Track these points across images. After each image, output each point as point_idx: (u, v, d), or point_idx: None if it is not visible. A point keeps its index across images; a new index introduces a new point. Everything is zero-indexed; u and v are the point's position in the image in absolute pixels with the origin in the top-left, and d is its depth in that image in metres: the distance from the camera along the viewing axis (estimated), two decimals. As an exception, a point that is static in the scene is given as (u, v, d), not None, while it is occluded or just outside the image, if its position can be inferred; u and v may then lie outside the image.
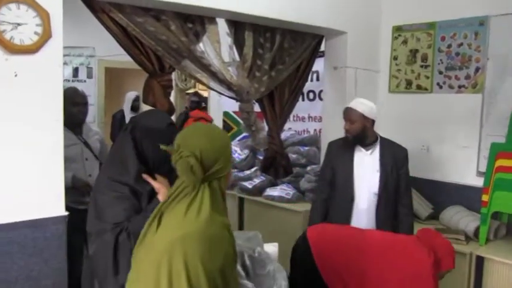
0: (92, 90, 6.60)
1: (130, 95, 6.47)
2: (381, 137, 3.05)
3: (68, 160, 2.91)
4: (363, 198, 2.97)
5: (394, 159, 2.98)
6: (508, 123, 3.36)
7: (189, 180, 1.51)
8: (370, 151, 3.00)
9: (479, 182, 3.37)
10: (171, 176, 2.06)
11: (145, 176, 1.96)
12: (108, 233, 1.87)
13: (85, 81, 6.61)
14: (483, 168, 3.35)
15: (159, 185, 1.96)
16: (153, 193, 1.98)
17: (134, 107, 6.45)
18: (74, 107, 3.17)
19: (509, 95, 3.44)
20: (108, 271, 1.88)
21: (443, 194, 3.75)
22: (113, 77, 7.30)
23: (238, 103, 3.65)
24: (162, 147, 1.60)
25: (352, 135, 2.96)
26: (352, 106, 2.96)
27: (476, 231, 3.26)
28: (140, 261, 1.53)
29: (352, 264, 2.41)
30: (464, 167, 3.70)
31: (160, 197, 1.94)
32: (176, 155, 1.51)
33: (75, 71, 6.56)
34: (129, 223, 1.89)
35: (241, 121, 4.17)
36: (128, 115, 6.40)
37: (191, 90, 7.85)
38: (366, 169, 2.98)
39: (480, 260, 3.05)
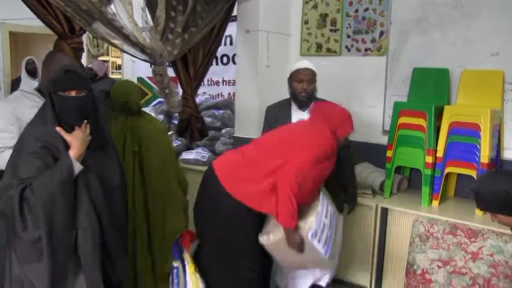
0: (-4, 56, 6.23)
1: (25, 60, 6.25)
2: (315, 97, 3.14)
3: None
4: None
5: None
6: (410, 84, 3.60)
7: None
8: (306, 111, 3.07)
9: (384, 140, 3.56)
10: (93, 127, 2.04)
11: (58, 129, 1.93)
12: (13, 189, 1.84)
13: (-14, 46, 6.21)
14: (388, 127, 3.55)
15: (71, 138, 1.93)
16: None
17: (30, 71, 6.20)
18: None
19: (409, 58, 3.65)
20: (16, 227, 1.85)
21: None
22: (20, 43, 6.88)
23: (151, 68, 3.60)
24: None
25: (308, 96, 3.05)
26: (309, 66, 3.06)
27: (382, 186, 3.49)
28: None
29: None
30: (371, 126, 3.90)
31: (72, 151, 1.90)
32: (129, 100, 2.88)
33: (-27, 35, 6.12)
34: (34, 179, 1.85)
35: (154, 86, 4.12)
36: (25, 80, 6.17)
37: (105, 58, 7.64)
38: None
39: (385, 211, 3.27)
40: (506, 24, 3.23)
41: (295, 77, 3.06)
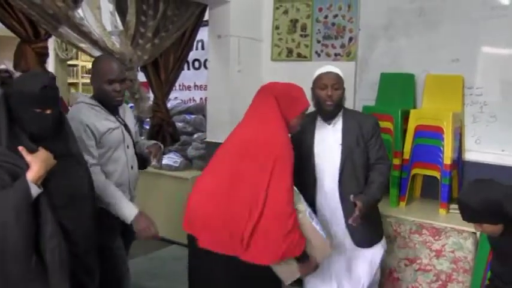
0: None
1: None
2: (344, 108, 2.68)
3: (109, 151, 2.40)
4: (327, 178, 2.59)
5: (360, 129, 2.60)
6: (377, 88, 3.70)
7: None
8: (332, 124, 2.63)
9: (353, 143, 3.64)
10: (56, 143, 1.97)
11: (20, 148, 1.80)
12: None
13: None
14: (356, 131, 3.63)
15: (31, 159, 1.79)
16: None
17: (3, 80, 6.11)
18: (108, 85, 2.40)
19: (377, 63, 3.75)
20: None
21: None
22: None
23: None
24: None
25: (335, 104, 2.56)
26: (333, 70, 2.62)
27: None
28: None
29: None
30: (340, 130, 3.98)
31: (30, 173, 1.77)
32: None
33: None
34: None
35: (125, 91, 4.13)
36: None
37: (74, 62, 7.57)
38: (328, 144, 2.61)
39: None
40: (466, 32, 3.36)
41: (318, 84, 2.59)
